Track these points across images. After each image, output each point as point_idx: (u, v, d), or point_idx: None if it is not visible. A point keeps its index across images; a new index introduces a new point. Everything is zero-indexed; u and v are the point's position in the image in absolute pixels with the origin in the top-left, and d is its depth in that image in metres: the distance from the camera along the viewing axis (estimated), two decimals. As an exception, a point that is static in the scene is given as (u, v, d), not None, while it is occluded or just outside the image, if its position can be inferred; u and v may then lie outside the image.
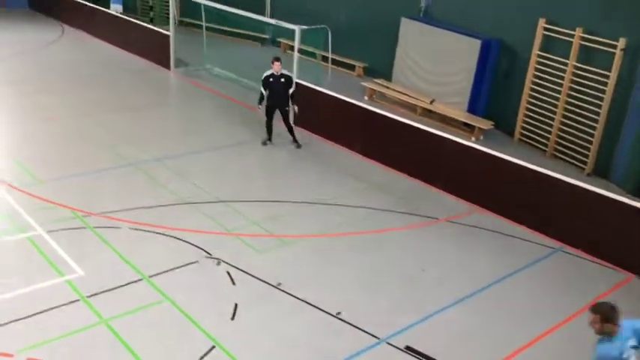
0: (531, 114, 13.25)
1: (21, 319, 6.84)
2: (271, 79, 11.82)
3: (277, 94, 11.86)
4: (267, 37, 19.53)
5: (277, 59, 11.81)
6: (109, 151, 11.45)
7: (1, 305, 7.05)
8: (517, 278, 8.53)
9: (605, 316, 4.85)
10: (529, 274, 8.65)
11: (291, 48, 15.08)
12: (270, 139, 12.30)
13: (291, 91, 11.94)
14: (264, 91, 11.90)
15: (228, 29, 19.33)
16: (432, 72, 14.70)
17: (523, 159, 10.09)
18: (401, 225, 9.69)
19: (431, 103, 14.44)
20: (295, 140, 12.25)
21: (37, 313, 6.94)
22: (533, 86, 13.14)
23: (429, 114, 14.52)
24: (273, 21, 14.99)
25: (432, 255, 8.97)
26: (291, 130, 12.17)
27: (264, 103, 12.00)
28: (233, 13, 15.11)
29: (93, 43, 19.07)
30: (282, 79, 11.84)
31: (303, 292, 7.71)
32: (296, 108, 12.13)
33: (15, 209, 9.09)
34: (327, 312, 7.40)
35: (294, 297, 7.63)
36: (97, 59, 17.56)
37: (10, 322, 6.78)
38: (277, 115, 12.20)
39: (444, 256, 8.96)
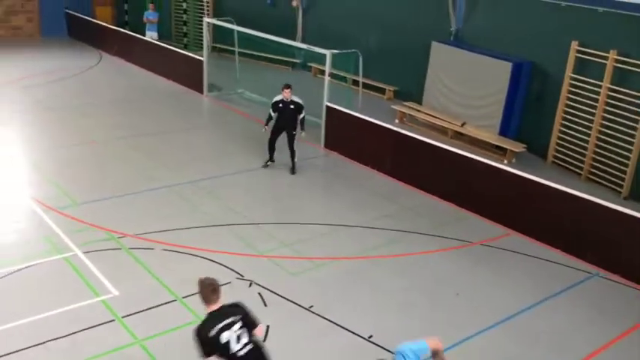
0: (565, 136, 13.09)
1: (57, 338, 6.96)
2: (281, 105, 11.90)
3: (285, 119, 11.95)
4: (298, 61, 19.76)
5: (288, 86, 11.89)
6: (145, 174, 11.67)
7: (37, 324, 7.19)
8: (553, 303, 8.36)
9: None
10: (565, 299, 8.48)
11: (322, 72, 15.23)
12: (271, 158, 12.30)
13: (300, 117, 12.00)
14: (272, 113, 12.04)
15: (260, 54, 19.64)
16: (463, 95, 14.68)
17: (557, 182, 9.96)
18: (434, 248, 9.62)
19: (462, 125, 14.39)
20: (294, 166, 12.15)
21: (73, 333, 7.06)
22: (567, 108, 13.01)
23: (460, 137, 14.46)
24: (304, 46, 15.19)
25: (465, 279, 8.86)
26: (293, 155, 12.11)
27: (272, 123, 12.09)
28: (265, 39, 15.37)
29: (129, 69, 19.56)
30: (292, 106, 11.87)
31: (335, 314, 7.69)
32: (304, 134, 12.22)
33: (53, 231, 9.31)
34: (358, 335, 7.36)
35: (326, 319, 7.61)
36: (133, 85, 18.00)
37: (47, 341, 6.90)
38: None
39: (478, 280, 8.85)
